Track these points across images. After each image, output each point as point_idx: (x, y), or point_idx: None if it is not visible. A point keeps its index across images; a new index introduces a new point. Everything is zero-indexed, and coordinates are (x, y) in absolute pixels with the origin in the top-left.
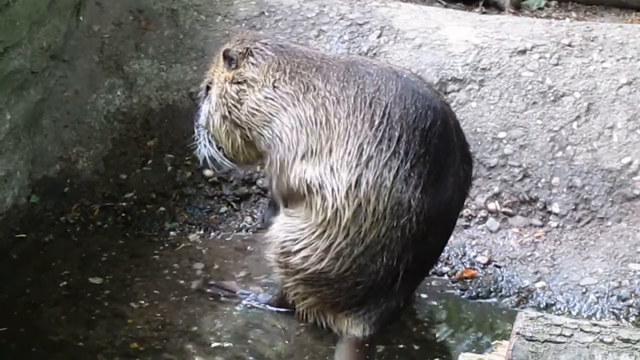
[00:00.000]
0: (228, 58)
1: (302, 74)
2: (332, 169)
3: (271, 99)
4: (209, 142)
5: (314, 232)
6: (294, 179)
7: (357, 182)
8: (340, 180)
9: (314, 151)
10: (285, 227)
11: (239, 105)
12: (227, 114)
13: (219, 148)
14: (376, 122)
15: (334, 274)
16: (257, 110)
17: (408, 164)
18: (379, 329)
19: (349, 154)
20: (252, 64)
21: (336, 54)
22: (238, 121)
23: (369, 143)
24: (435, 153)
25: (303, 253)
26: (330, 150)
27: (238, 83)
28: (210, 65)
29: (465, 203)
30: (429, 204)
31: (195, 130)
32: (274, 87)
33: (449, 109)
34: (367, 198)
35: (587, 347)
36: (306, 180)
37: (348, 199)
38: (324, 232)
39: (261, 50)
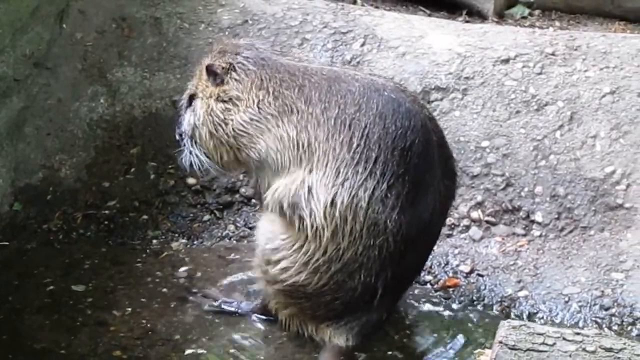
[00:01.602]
0: (212, 73)
1: (285, 95)
2: (310, 190)
3: (256, 120)
4: (197, 149)
5: (293, 245)
6: (272, 197)
7: (333, 202)
8: (319, 201)
9: (293, 172)
10: (267, 233)
11: (223, 125)
12: (213, 131)
13: (207, 157)
14: (354, 145)
15: (311, 288)
16: (244, 132)
17: (385, 184)
18: (361, 339)
19: (327, 176)
20: (236, 80)
21: (318, 66)
22: (224, 140)
23: (346, 165)
24: (414, 172)
25: (282, 264)
26: (310, 172)
27: (223, 101)
28: (192, 76)
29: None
30: (407, 224)
31: (178, 138)
32: (259, 108)
33: (433, 124)
34: (343, 218)
35: (570, 355)
36: (282, 200)
37: (326, 219)
38: (302, 246)
39: (243, 65)
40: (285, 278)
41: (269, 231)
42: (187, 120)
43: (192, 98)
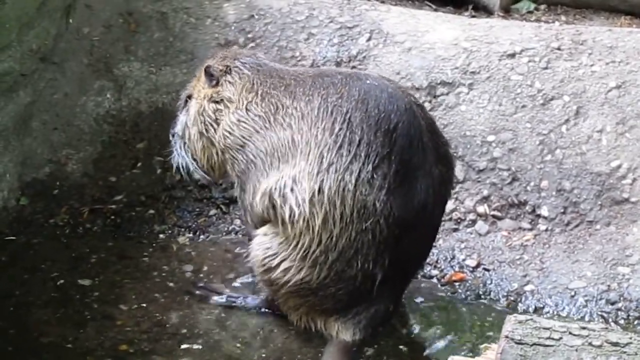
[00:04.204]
0: (209, 74)
1: (271, 94)
2: (294, 181)
3: (244, 121)
4: (185, 151)
5: (290, 245)
6: (261, 201)
7: (320, 189)
8: (303, 190)
9: (278, 168)
10: (263, 245)
11: (215, 125)
12: (203, 131)
13: (195, 160)
14: (336, 129)
15: (314, 282)
16: (230, 133)
17: (370, 165)
18: (370, 333)
19: (310, 164)
20: (229, 82)
21: (308, 68)
22: (214, 140)
23: (329, 150)
24: (401, 153)
25: (283, 266)
26: (294, 165)
27: (216, 102)
28: (193, 78)
29: (454, 207)
30: (398, 206)
31: (171, 138)
32: (247, 109)
33: (420, 110)
34: (332, 203)
35: (576, 350)
36: (270, 197)
37: (314, 206)
38: (299, 242)
39: (239, 69)
40: (289, 279)
41: (264, 242)
42: (181, 121)
43: (188, 99)
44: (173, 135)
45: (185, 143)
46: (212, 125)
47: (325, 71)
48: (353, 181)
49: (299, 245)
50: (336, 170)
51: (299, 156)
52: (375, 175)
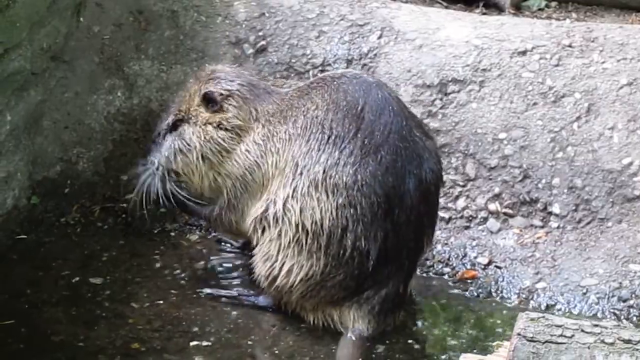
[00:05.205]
0: (211, 100)
1: (270, 121)
2: (274, 202)
3: (250, 151)
4: (166, 179)
5: (284, 247)
6: (251, 220)
7: (294, 190)
8: (281, 200)
9: (262, 192)
10: (261, 259)
11: (224, 153)
12: (209, 156)
13: (180, 182)
14: (311, 137)
15: (318, 275)
16: (237, 162)
17: (337, 152)
18: (384, 320)
19: (286, 176)
20: (234, 106)
21: (294, 88)
22: (217, 166)
23: (303, 157)
24: (371, 125)
25: (285, 268)
26: (272, 183)
27: (227, 130)
28: (177, 102)
29: (466, 204)
30: (371, 173)
31: (142, 169)
32: (254, 140)
33: (388, 88)
34: (310, 195)
35: (588, 347)
36: (264, 215)
37: (298, 203)
38: (289, 241)
39: (240, 92)
40: (294, 280)
41: (263, 254)
42: (168, 145)
43: (177, 123)
44: (149, 167)
45: (168, 169)
46: (220, 152)
47: (305, 87)
48: (321, 171)
49: (292, 243)
50: (308, 170)
51: (278, 173)
52: (340, 157)
